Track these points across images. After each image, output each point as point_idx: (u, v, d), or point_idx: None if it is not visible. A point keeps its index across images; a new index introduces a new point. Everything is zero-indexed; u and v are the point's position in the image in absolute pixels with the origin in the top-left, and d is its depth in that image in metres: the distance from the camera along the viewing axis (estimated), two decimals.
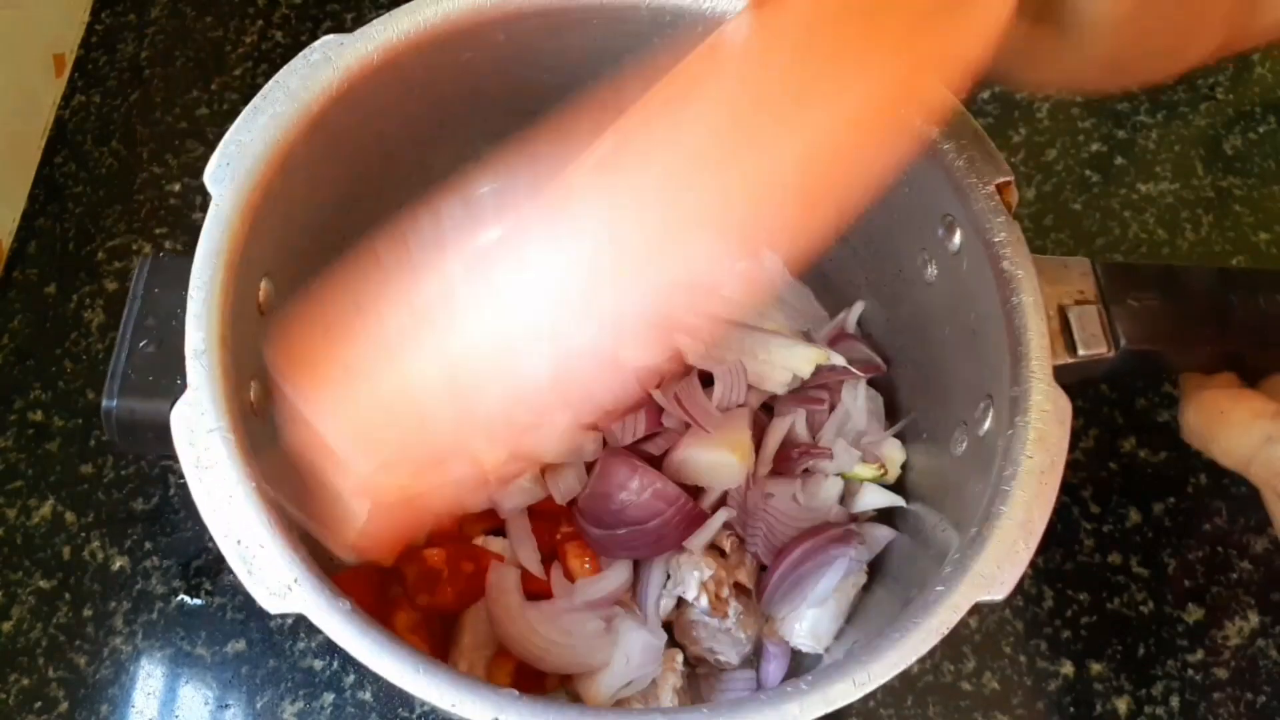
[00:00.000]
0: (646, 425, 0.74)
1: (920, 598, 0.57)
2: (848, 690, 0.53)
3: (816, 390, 0.79)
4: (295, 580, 0.53)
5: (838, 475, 0.75)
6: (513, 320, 0.54)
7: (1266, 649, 0.80)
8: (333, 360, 0.54)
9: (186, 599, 0.78)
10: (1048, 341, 0.62)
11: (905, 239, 0.75)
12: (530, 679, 0.72)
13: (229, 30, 1.02)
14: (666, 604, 0.73)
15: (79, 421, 0.84)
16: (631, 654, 0.70)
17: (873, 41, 0.50)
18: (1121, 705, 0.78)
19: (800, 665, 0.75)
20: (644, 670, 0.70)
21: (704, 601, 0.71)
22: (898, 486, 0.77)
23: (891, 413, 0.80)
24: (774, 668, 0.74)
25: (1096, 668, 0.79)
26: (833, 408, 0.78)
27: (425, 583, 0.72)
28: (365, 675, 0.66)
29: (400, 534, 0.74)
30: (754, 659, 0.75)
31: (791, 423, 0.77)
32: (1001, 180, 0.66)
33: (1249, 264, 0.94)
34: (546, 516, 0.75)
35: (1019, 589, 0.57)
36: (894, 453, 0.77)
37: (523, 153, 0.83)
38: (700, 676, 0.75)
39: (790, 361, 0.76)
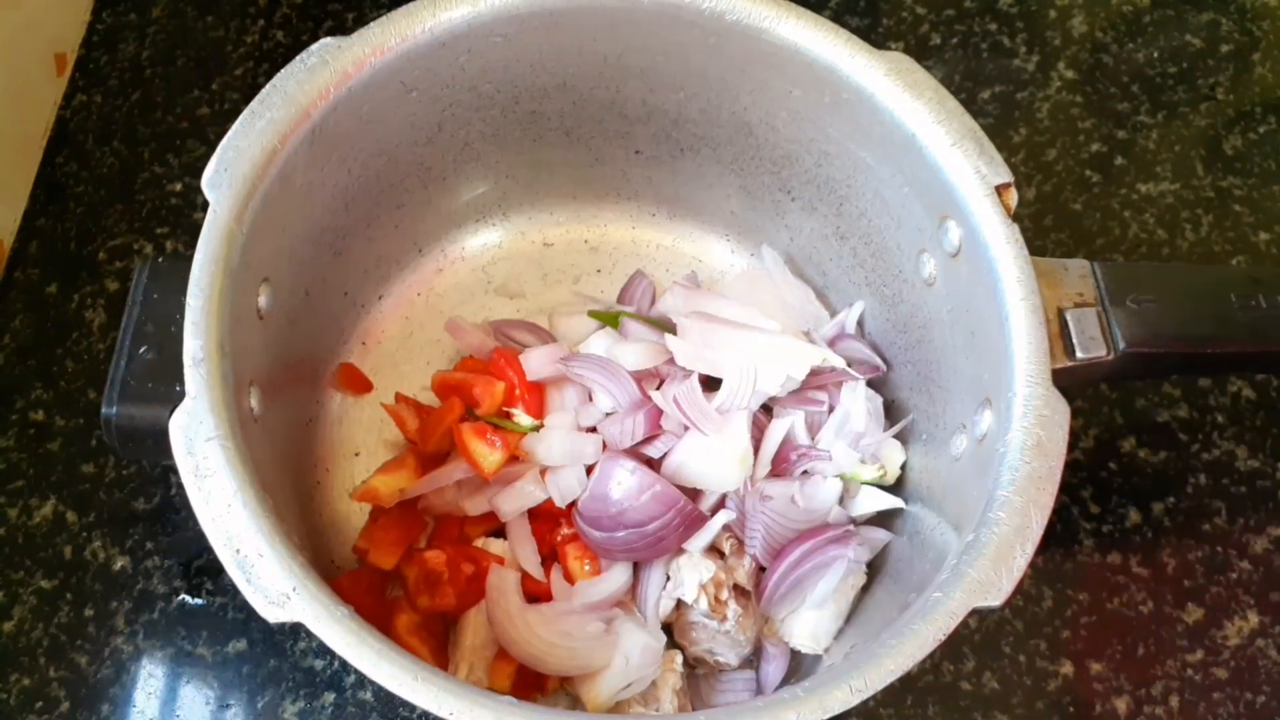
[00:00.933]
0: (646, 428, 0.74)
1: (917, 603, 0.57)
2: (845, 697, 0.53)
3: (816, 391, 0.78)
4: (294, 589, 0.53)
5: (837, 477, 0.75)
6: None
7: (1266, 649, 0.80)
8: None
9: (187, 599, 0.79)
10: (1046, 345, 0.63)
11: (905, 240, 0.75)
12: (531, 681, 0.72)
13: (230, 30, 1.02)
14: (666, 606, 0.73)
15: (80, 421, 0.84)
16: (631, 655, 0.70)
17: None
18: (1121, 705, 0.78)
19: (799, 666, 0.75)
20: (644, 671, 0.70)
21: (703, 603, 0.72)
22: (896, 488, 0.77)
23: (891, 414, 0.80)
24: (773, 668, 0.74)
25: (1096, 668, 0.79)
26: (832, 409, 0.78)
27: (426, 585, 0.72)
28: (366, 675, 0.66)
29: (400, 536, 0.74)
30: (753, 660, 0.75)
31: (790, 424, 0.77)
32: (1001, 182, 0.66)
33: (1249, 264, 0.94)
34: (546, 519, 0.76)
35: (1019, 589, 0.57)
36: (893, 454, 0.77)
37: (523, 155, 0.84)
38: (700, 677, 0.75)
39: (789, 362, 0.76)
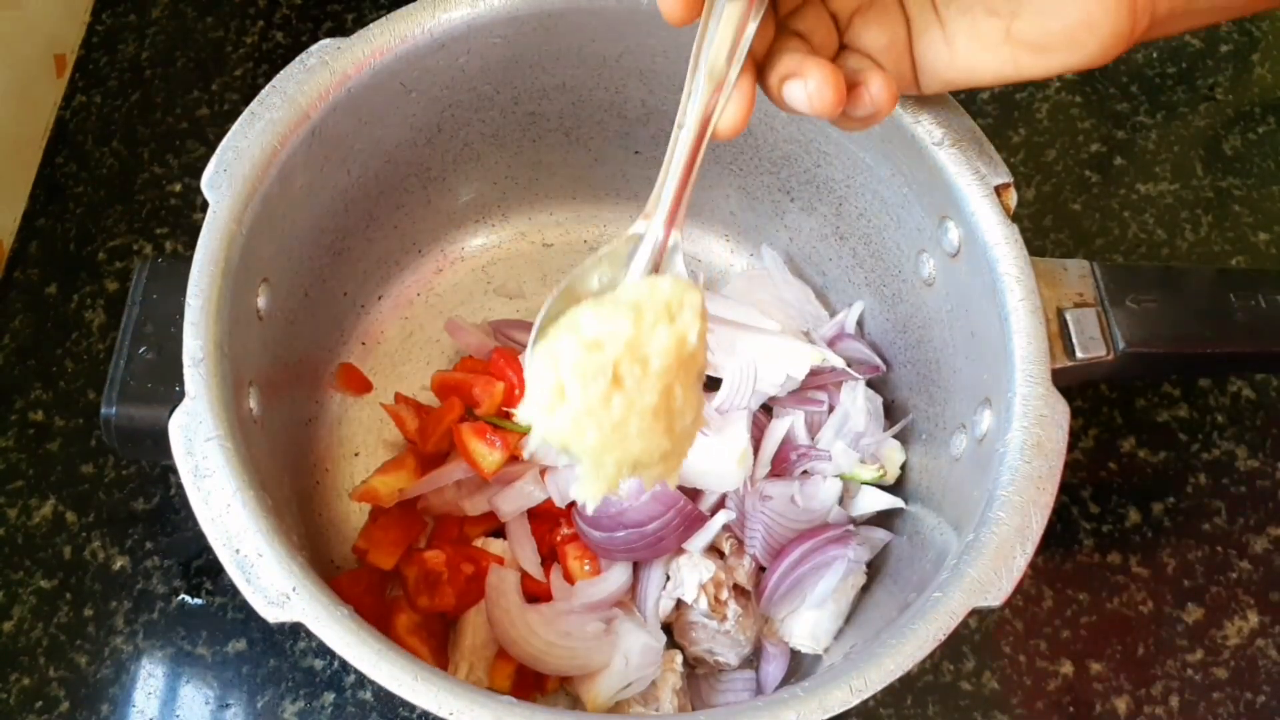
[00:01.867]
0: None
1: (917, 603, 0.57)
2: (845, 697, 0.53)
3: (815, 391, 0.79)
4: (294, 589, 0.53)
5: (837, 477, 0.75)
6: None
7: (1266, 649, 0.80)
8: None
9: (187, 599, 0.79)
10: (1046, 345, 0.63)
11: (904, 240, 0.75)
12: (530, 681, 0.72)
13: (230, 31, 1.02)
14: (666, 605, 0.73)
15: (80, 421, 0.84)
16: (631, 655, 0.70)
17: None
18: (1121, 705, 0.78)
19: (799, 666, 0.75)
20: (643, 671, 0.70)
21: (703, 603, 0.72)
22: (896, 488, 0.77)
23: (891, 414, 0.80)
24: (773, 668, 0.74)
25: (1096, 667, 0.79)
26: (832, 409, 0.78)
27: (425, 585, 0.72)
28: (365, 675, 0.66)
29: (400, 536, 0.74)
30: (753, 660, 0.75)
31: (790, 424, 0.77)
32: (1000, 182, 0.66)
33: (1249, 264, 0.94)
34: (546, 519, 0.76)
35: (1018, 589, 0.57)
36: (893, 454, 0.77)
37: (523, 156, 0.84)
38: (699, 677, 0.75)
39: (789, 362, 0.76)
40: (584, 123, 0.82)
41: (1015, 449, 0.60)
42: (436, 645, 0.72)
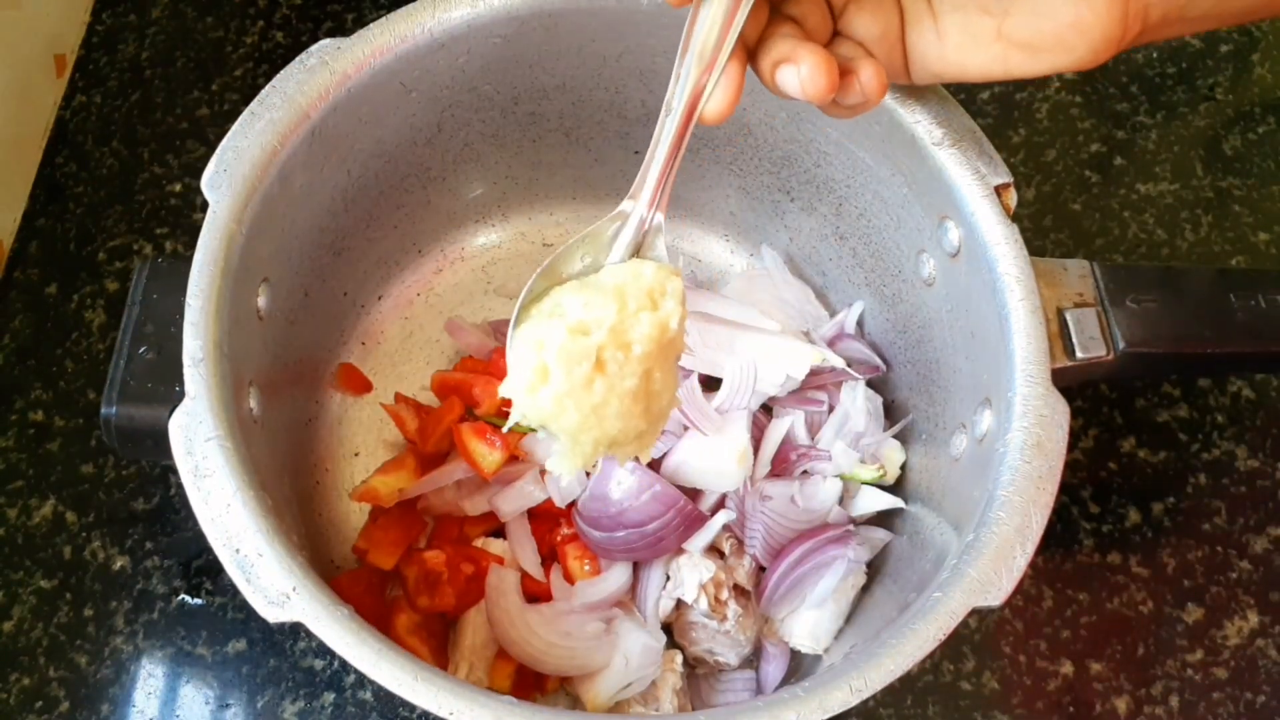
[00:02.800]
0: None
1: (917, 603, 0.57)
2: (845, 697, 0.53)
3: (815, 391, 0.79)
4: (294, 589, 0.53)
5: (836, 477, 0.75)
6: None
7: (1266, 649, 0.80)
8: None
9: (187, 599, 0.79)
10: (1046, 345, 0.63)
11: (904, 240, 0.75)
12: (530, 681, 0.72)
13: (230, 31, 1.02)
14: (666, 605, 0.73)
15: (80, 421, 0.84)
16: (631, 655, 0.70)
17: None
18: (1121, 705, 0.78)
19: (799, 666, 0.75)
20: (643, 671, 0.70)
21: (703, 603, 0.72)
22: (896, 488, 0.77)
23: (891, 414, 0.80)
24: (773, 668, 0.74)
25: (1096, 667, 0.79)
26: (832, 409, 0.78)
27: (425, 585, 0.72)
28: (365, 675, 0.66)
29: (400, 536, 0.74)
30: (753, 660, 0.75)
31: (790, 424, 0.77)
32: (1000, 182, 0.66)
33: (1249, 264, 0.94)
34: (546, 519, 0.76)
35: (1019, 589, 0.57)
36: (893, 454, 0.77)
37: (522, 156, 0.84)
38: (699, 677, 0.75)
39: (789, 362, 0.76)
40: (584, 123, 0.82)
41: (1015, 449, 0.60)
42: (436, 645, 0.72)
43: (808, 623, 0.73)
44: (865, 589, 0.75)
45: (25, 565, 0.79)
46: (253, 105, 0.65)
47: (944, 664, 0.79)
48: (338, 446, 0.81)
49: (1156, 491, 0.85)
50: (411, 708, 0.76)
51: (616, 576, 0.73)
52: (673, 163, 0.55)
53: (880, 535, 0.75)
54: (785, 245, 0.86)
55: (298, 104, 0.66)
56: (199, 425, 0.56)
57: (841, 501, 0.76)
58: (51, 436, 0.83)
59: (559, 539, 0.75)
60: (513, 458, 0.74)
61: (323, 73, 0.67)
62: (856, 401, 0.77)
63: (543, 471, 0.75)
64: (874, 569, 0.75)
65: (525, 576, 0.74)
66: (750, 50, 0.55)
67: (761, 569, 0.74)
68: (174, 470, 0.80)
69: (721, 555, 0.74)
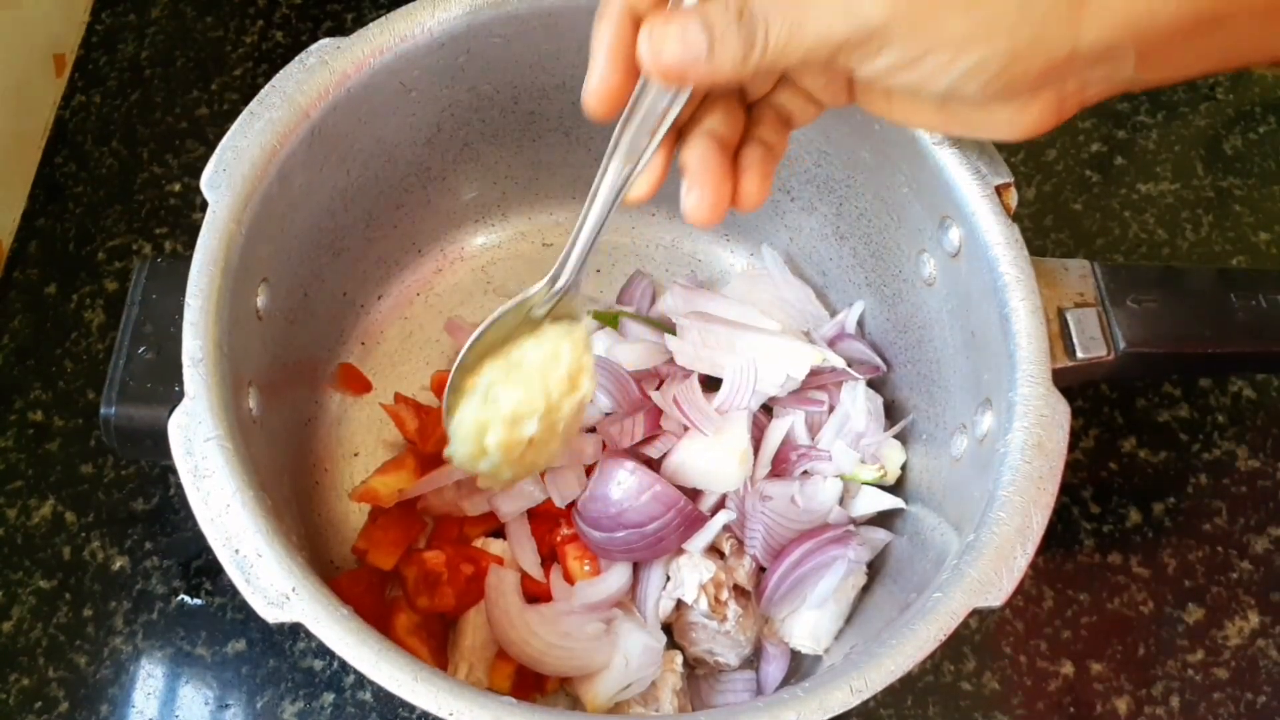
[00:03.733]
0: (646, 428, 0.74)
1: (918, 603, 0.57)
2: (845, 697, 0.53)
3: (816, 391, 0.78)
4: (293, 589, 0.53)
5: (837, 477, 0.75)
6: None
7: (1266, 649, 0.80)
8: None
9: (186, 599, 0.78)
10: (1046, 345, 0.62)
11: (905, 239, 0.75)
12: (530, 681, 0.72)
13: (229, 30, 1.02)
14: (666, 606, 0.73)
15: (79, 421, 0.84)
16: (631, 656, 0.70)
17: None
18: (1121, 705, 0.78)
19: (799, 666, 0.75)
20: (643, 672, 0.70)
21: (703, 603, 0.71)
22: (897, 488, 0.77)
23: (891, 414, 0.80)
24: (773, 669, 0.74)
25: (1096, 668, 0.79)
26: (832, 409, 0.78)
27: (425, 585, 0.72)
28: (365, 676, 0.66)
29: (400, 536, 0.74)
30: (753, 660, 0.75)
31: (790, 424, 0.77)
32: (1001, 182, 0.66)
33: (1249, 264, 0.94)
34: (546, 519, 0.76)
35: (1019, 589, 0.57)
36: (893, 454, 0.77)
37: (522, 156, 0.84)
38: (699, 678, 0.75)
39: (789, 362, 0.76)
40: (584, 123, 0.81)
41: (1016, 449, 0.60)
42: (436, 645, 0.72)
43: (808, 623, 0.73)
44: (865, 589, 0.75)
45: (25, 565, 0.79)
46: (252, 105, 0.65)
47: (944, 664, 0.79)
48: (337, 446, 0.80)
49: (1157, 491, 0.85)
50: (411, 708, 0.76)
51: (616, 577, 0.73)
52: (592, 245, 0.61)
53: (880, 535, 0.75)
54: (785, 245, 0.86)
55: (297, 103, 0.65)
56: (198, 425, 0.56)
57: (842, 502, 0.76)
58: (51, 436, 0.83)
59: (559, 539, 0.75)
60: None
61: (322, 72, 0.67)
62: (857, 401, 0.77)
63: (543, 472, 0.75)
64: (874, 569, 0.75)
65: (525, 577, 0.73)
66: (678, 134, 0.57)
67: (761, 569, 0.74)
68: (173, 470, 0.80)
69: (721, 555, 0.74)
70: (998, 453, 0.61)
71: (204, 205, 0.62)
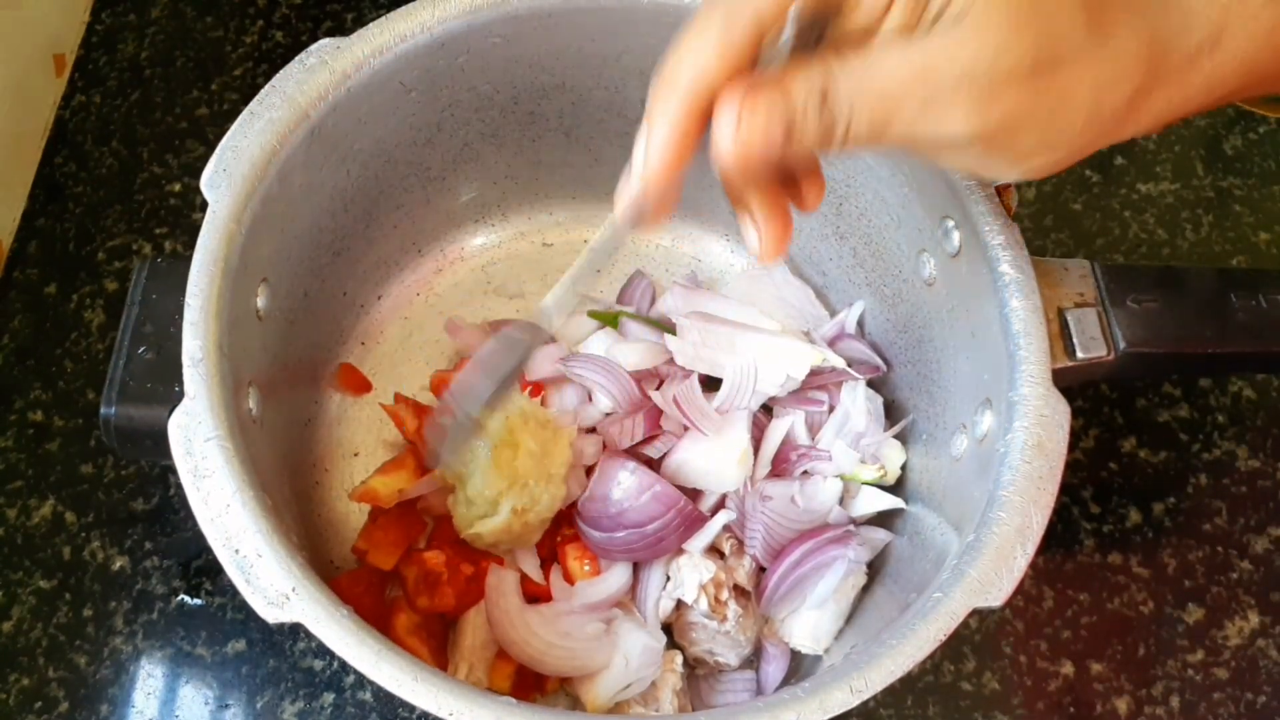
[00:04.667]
0: (646, 428, 0.74)
1: (918, 603, 0.57)
2: (845, 697, 0.53)
3: (816, 391, 0.78)
4: (293, 589, 0.53)
5: (837, 477, 0.75)
6: None
7: (1266, 649, 0.80)
8: None
9: (186, 599, 0.78)
10: (1046, 345, 0.63)
11: (905, 240, 0.75)
12: (530, 681, 0.72)
13: (229, 30, 1.02)
14: (666, 606, 0.73)
15: (79, 421, 0.84)
16: (631, 656, 0.70)
17: None
18: (1121, 705, 0.78)
19: (799, 666, 0.75)
20: (643, 672, 0.70)
21: (703, 603, 0.71)
22: (897, 488, 0.77)
23: (891, 414, 0.80)
24: (773, 669, 0.74)
25: (1096, 668, 0.79)
26: (832, 409, 0.78)
27: (425, 585, 0.72)
28: (365, 676, 0.66)
29: (400, 536, 0.74)
30: (753, 660, 0.75)
31: (790, 424, 0.77)
32: (1001, 182, 0.66)
33: (1249, 264, 0.94)
34: None
35: (1019, 589, 0.57)
36: (893, 454, 0.77)
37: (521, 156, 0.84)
38: (699, 678, 0.75)
39: (789, 362, 0.76)
40: (584, 123, 0.82)
41: (1016, 449, 0.60)
42: (436, 645, 0.72)
43: (808, 623, 0.73)
44: (865, 589, 0.75)
45: (24, 565, 0.79)
46: (252, 105, 0.65)
47: (944, 664, 0.79)
48: (337, 446, 0.80)
49: (1157, 491, 0.85)
50: (411, 708, 0.76)
51: (616, 577, 0.73)
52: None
53: (880, 535, 0.75)
54: None
55: (297, 103, 0.66)
56: (198, 425, 0.56)
57: (842, 502, 0.76)
58: (51, 436, 0.83)
59: (559, 539, 0.75)
60: None
61: (322, 72, 0.67)
62: (857, 401, 0.77)
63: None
64: (874, 569, 0.75)
65: (525, 577, 0.73)
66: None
67: (762, 569, 0.74)
68: (173, 470, 0.80)
69: (721, 555, 0.74)
70: (998, 453, 0.61)
71: (204, 205, 0.62)
